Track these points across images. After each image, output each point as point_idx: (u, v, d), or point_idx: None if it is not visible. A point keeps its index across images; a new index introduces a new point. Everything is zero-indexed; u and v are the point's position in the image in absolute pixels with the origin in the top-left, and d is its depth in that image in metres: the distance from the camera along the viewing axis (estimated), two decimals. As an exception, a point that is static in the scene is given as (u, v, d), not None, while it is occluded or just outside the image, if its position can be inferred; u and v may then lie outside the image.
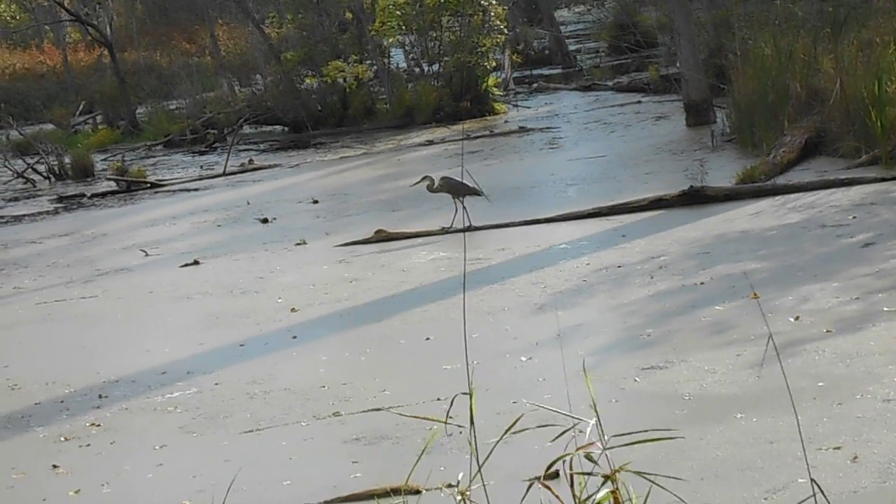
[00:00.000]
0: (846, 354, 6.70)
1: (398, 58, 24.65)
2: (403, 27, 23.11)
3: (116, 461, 6.52)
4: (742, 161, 13.16)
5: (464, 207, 11.72)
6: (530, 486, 3.23)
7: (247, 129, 23.48)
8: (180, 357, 8.43)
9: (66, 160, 20.49)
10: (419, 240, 11.57)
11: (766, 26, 15.80)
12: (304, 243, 12.07)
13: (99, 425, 7.15)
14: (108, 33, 27.53)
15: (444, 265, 10.38)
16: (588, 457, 3.03)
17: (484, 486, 3.19)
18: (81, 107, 28.77)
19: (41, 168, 20.48)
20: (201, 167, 20.13)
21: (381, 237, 11.70)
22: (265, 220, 13.77)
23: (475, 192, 11.77)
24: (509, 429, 3.31)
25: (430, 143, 19.28)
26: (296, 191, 16.02)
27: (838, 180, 11.56)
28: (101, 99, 28.14)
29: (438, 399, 6.75)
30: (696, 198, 11.47)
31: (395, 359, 7.90)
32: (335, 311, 9.21)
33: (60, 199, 18.15)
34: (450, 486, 5.17)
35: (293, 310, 9.34)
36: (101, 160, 21.70)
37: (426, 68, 22.96)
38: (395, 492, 5.21)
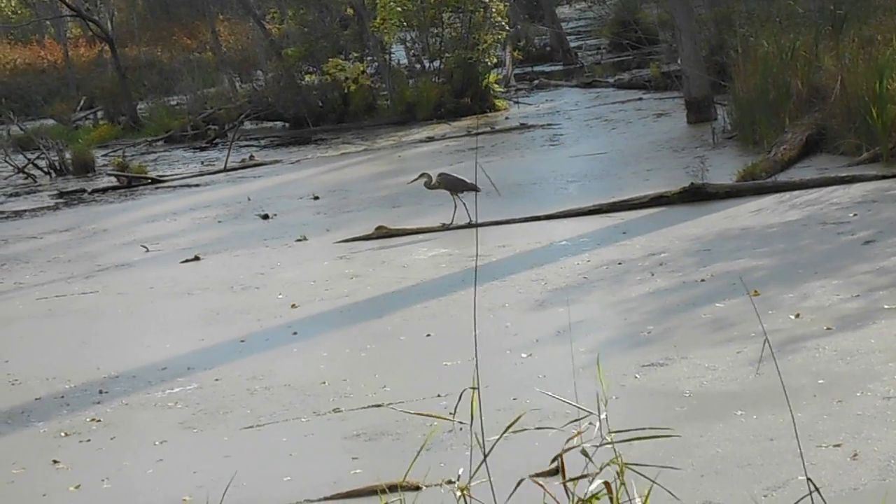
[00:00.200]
0: (846, 352, 6.71)
1: (399, 54, 24.65)
2: (404, 23, 23.11)
3: (117, 456, 6.52)
4: (743, 158, 13.16)
5: (464, 203, 11.72)
6: (519, 483, 3.23)
7: (247, 125, 23.48)
8: (181, 353, 8.44)
9: (67, 156, 20.50)
10: (420, 236, 11.57)
11: (768, 23, 15.79)
12: (305, 239, 12.08)
13: (99, 421, 7.15)
14: (108, 29, 27.53)
15: (444, 261, 10.38)
16: (583, 452, 3.03)
17: (491, 483, 3.19)
18: (82, 102, 28.79)
19: (42, 163, 20.48)
20: (202, 163, 20.14)
21: (382, 233, 11.71)
22: (266, 216, 13.77)
23: (472, 188, 11.79)
24: (510, 426, 3.31)
25: (431, 139, 19.28)
26: (296, 187, 16.02)
27: (839, 178, 11.56)
28: (102, 94, 28.14)
29: (439, 395, 6.76)
30: (696, 195, 11.47)
31: (396, 355, 7.90)
32: (336, 308, 9.22)
33: (61, 194, 18.15)
34: (450, 482, 5.17)
35: (293, 306, 9.34)
36: (102, 156, 21.71)
37: (427, 65, 22.95)
38: (395, 488, 5.21)
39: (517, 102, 22.65)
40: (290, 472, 6.00)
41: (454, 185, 11.86)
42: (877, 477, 5.12)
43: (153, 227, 14.27)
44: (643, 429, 3.18)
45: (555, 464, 5.51)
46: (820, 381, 6.28)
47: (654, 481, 3.16)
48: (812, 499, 3.03)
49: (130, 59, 31.69)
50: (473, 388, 3.28)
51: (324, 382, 7.34)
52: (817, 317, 7.39)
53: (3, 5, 40.35)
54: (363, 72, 22.44)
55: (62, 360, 8.62)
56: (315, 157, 19.14)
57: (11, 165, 20.63)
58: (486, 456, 3.14)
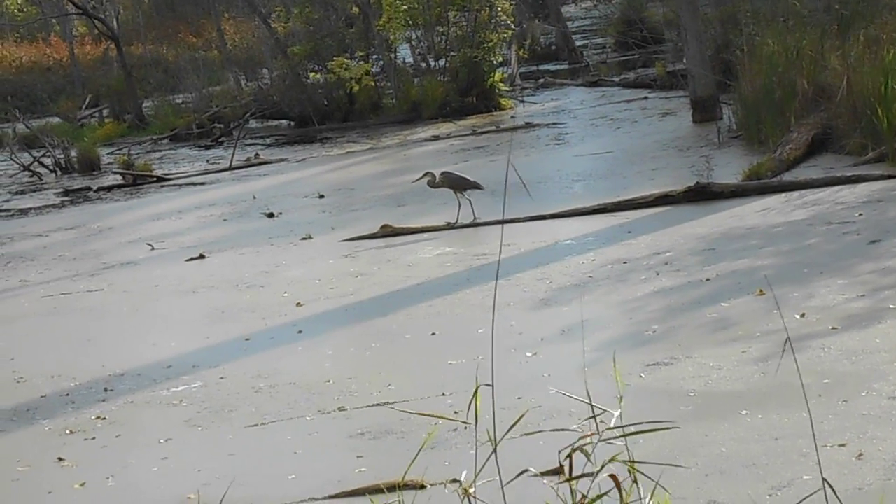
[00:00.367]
0: (852, 351, 6.70)
1: (405, 53, 24.65)
2: (410, 22, 23.10)
3: (122, 454, 6.53)
4: (748, 157, 13.15)
5: (469, 201, 11.73)
6: (513, 478, 3.23)
7: (253, 124, 23.49)
8: (186, 351, 8.44)
9: (73, 153, 20.52)
10: (425, 235, 11.57)
11: (773, 22, 15.77)
12: (310, 238, 12.08)
13: (104, 418, 7.16)
14: (114, 27, 27.54)
15: (449, 260, 10.38)
16: (582, 451, 3.03)
17: (501, 481, 3.19)
18: (88, 100, 28.81)
19: (47, 161, 20.50)
20: (207, 161, 20.15)
21: (387, 232, 11.71)
22: (271, 215, 13.77)
23: (475, 186, 11.81)
24: (514, 425, 3.31)
25: (437, 138, 19.28)
26: (301, 185, 16.02)
27: (845, 177, 11.55)
28: (108, 92, 28.16)
29: (444, 394, 6.76)
30: (702, 194, 11.46)
31: (401, 353, 7.90)
32: (341, 306, 9.22)
33: (66, 192, 18.17)
34: (454, 481, 5.18)
35: (298, 304, 9.34)
36: (108, 154, 21.72)
37: (432, 63, 22.95)
38: (400, 487, 5.21)
39: (522, 101, 22.64)
40: (294, 471, 6.00)
41: (457, 184, 11.87)
42: (882, 477, 5.12)
43: (158, 225, 14.28)
44: (641, 423, 3.16)
45: (557, 464, 5.51)
46: (825, 381, 6.27)
47: (656, 482, 3.16)
48: (826, 499, 3.03)
49: (136, 58, 31.72)
50: (488, 385, 3.27)
51: (329, 381, 7.34)
52: (823, 316, 7.39)
53: (9, 3, 40.39)
54: (367, 72, 22.43)
55: (67, 358, 8.63)
56: (320, 156, 19.14)
57: (17, 163, 20.66)
58: (493, 452, 3.14)
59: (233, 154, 19.32)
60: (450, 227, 11.69)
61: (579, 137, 17.50)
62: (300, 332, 8.60)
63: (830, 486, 3.00)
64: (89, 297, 10.61)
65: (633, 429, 3.17)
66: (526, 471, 3.21)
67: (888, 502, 4.95)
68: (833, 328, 7.14)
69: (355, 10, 23.86)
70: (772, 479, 5.19)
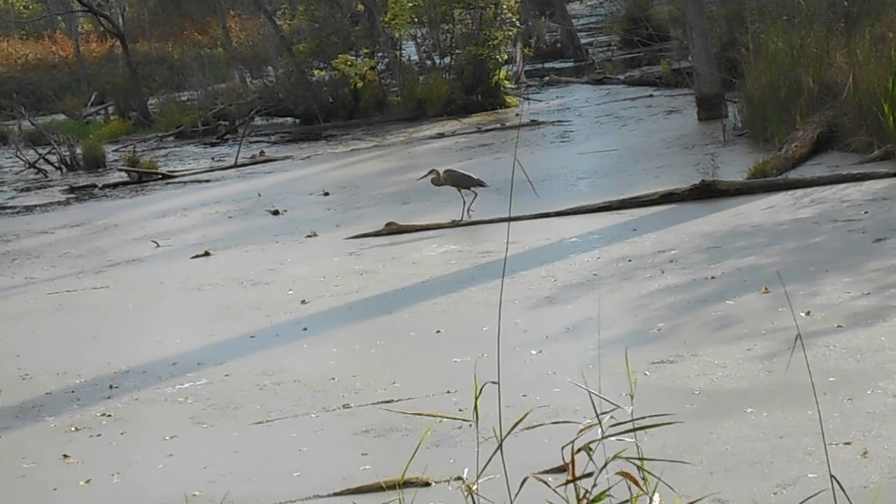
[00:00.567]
0: (857, 349, 6.69)
1: (410, 50, 24.64)
2: (415, 19, 23.10)
3: (127, 451, 6.53)
4: (754, 155, 13.14)
5: (473, 196, 11.73)
6: (523, 483, 3.22)
7: (258, 121, 23.49)
8: (191, 348, 8.45)
9: (78, 151, 20.53)
10: (430, 232, 11.57)
11: (779, 20, 15.75)
12: (315, 235, 12.09)
13: (109, 415, 7.16)
14: (120, 24, 27.56)
15: (454, 258, 10.38)
16: (586, 449, 3.02)
17: (507, 478, 3.19)
18: (93, 97, 28.82)
19: (53, 158, 20.52)
20: (212, 158, 20.16)
21: (392, 230, 11.71)
22: (276, 212, 13.78)
23: (479, 184, 11.82)
24: (518, 423, 3.31)
25: (442, 135, 19.27)
26: (307, 183, 16.02)
27: (850, 175, 11.54)
28: (113, 90, 28.18)
29: (448, 391, 6.76)
30: (707, 192, 11.46)
31: (406, 351, 7.90)
32: (345, 304, 9.22)
33: (72, 189, 18.18)
34: (458, 479, 5.17)
35: (303, 302, 9.35)
36: (113, 151, 21.74)
37: (438, 61, 22.95)
38: (405, 484, 5.22)
39: (528, 99, 22.63)
40: (299, 468, 6.00)
41: (461, 182, 11.89)
42: (887, 475, 5.11)
43: (163, 222, 14.29)
44: (643, 417, 3.16)
45: (562, 462, 5.51)
46: (830, 379, 6.27)
47: (659, 479, 3.16)
48: (834, 495, 3.02)
49: (141, 55, 31.73)
50: (494, 383, 3.27)
51: (333, 378, 7.34)
52: (828, 314, 7.38)
53: (15, 0, 40.43)
54: (372, 67, 22.43)
55: (73, 355, 8.64)
56: (325, 154, 19.15)
57: (23, 160, 20.68)
58: (497, 449, 3.14)
59: (238, 151, 19.32)
60: (455, 224, 11.70)
61: (584, 135, 17.49)
62: (305, 329, 8.60)
63: (839, 483, 2.99)
64: (94, 294, 10.62)
65: (635, 424, 3.16)
66: (528, 477, 3.20)
67: (894, 501, 4.94)
68: (838, 326, 7.13)
69: (360, 7, 23.85)
70: (777, 478, 5.18)
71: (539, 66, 27.24)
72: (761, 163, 12.29)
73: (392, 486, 5.03)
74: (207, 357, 8.15)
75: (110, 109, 27.67)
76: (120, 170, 19.16)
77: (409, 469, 5.01)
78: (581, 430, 3.03)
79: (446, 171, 12.04)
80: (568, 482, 3.01)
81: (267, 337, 8.52)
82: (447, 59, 22.59)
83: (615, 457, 3.06)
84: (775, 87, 13.97)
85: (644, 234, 10.36)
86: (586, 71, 26.61)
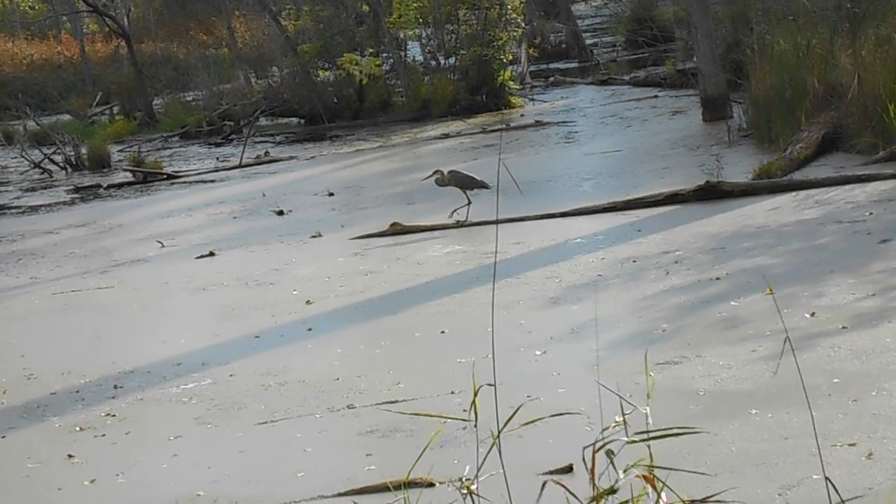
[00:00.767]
0: (862, 351, 6.69)
1: (415, 51, 24.65)
2: (420, 20, 23.10)
3: (131, 451, 6.54)
4: (758, 156, 13.13)
5: (469, 202, 11.74)
6: (544, 486, 3.21)
7: (263, 121, 23.50)
8: (195, 348, 8.45)
9: (83, 151, 20.55)
10: (434, 233, 11.57)
11: (784, 21, 15.74)
12: (320, 236, 12.09)
13: (114, 415, 7.17)
14: (125, 24, 27.57)
15: (459, 258, 10.38)
16: (608, 453, 3.01)
17: (506, 481, 3.19)
18: (98, 98, 28.85)
19: (58, 158, 20.53)
20: (217, 159, 20.17)
21: (397, 230, 11.71)
22: (281, 213, 13.79)
23: (482, 185, 11.83)
24: (510, 418, 3.31)
25: (446, 136, 19.27)
26: (311, 183, 16.03)
27: (855, 176, 11.52)
28: (118, 90, 28.19)
29: (453, 392, 6.76)
30: (712, 193, 11.45)
31: (410, 352, 7.90)
32: (350, 304, 9.22)
33: (77, 189, 18.20)
34: (458, 481, 5.18)
35: (308, 302, 9.35)
36: (118, 151, 21.76)
37: (443, 61, 22.94)
38: (409, 485, 5.22)
39: (532, 100, 22.62)
40: (303, 468, 6.00)
41: (464, 183, 11.90)
42: (892, 477, 5.11)
43: (168, 222, 14.31)
44: (670, 428, 3.14)
45: (567, 462, 5.52)
46: (835, 380, 6.26)
47: (664, 482, 3.15)
48: (830, 499, 3.02)
49: (146, 55, 31.74)
50: (490, 385, 3.27)
51: (338, 379, 7.35)
52: (833, 315, 7.37)
53: (20, 0, 40.48)
54: (379, 65, 22.44)
55: (77, 355, 8.65)
56: (330, 154, 19.15)
57: (28, 160, 20.70)
58: (490, 449, 3.14)
59: (243, 152, 19.33)
60: (459, 225, 11.70)
61: (589, 136, 17.48)
62: (310, 329, 8.60)
63: (833, 485, 2.99)
64: (99, 295, 10.63)
65: (653, 430, 3.16)
66: (547, 481, 3.19)
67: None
68: (843, 327, 7.13)
69: (365, 7, 23.86)
70: (781, 479, 5.18)
71: (544, 66, 27.24)
72: (766, 164, 12.28)
73: (396, 487, 5.03)
74: (212, 357, 8.15)
75: (115, 109, 27.70)
76: (125, 170, 19.18)
77: (414, 469, 5.02)
78: (605, 430, 3.03)
79: (450, 172, 12.05)
80: (595, 493, 2.99)
81: (271, 337, 8.52)
82: (452, 60, 22.59)
83: (636, 464, 3.04)
84: (780, 88, 13.95)
85: (649, 234, 10.35)
86: (591, 72, 26.60)
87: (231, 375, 7.70)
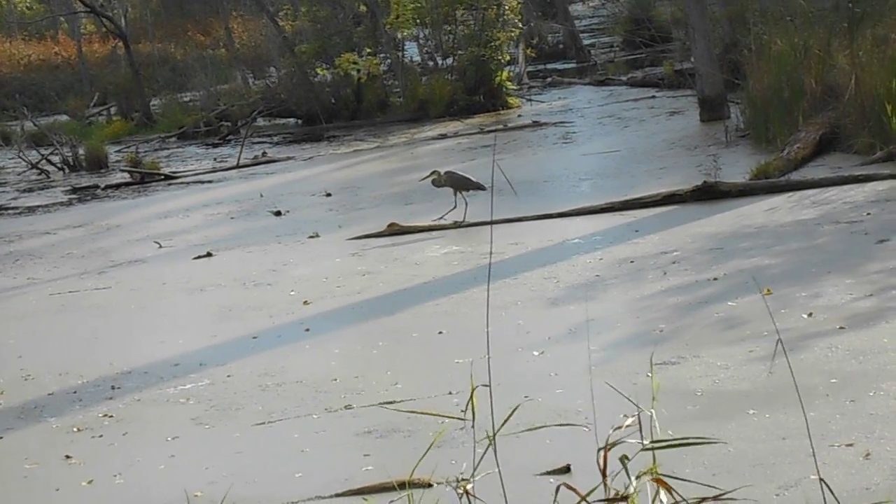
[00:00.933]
0: (859, 351, 6.69)
1: (412, 51, 24.64)
2: (417, 20, 23.10)
3: (129, 452, 6.54)
4: (756, 157, 13.13)
5: (465, 202, 11.74)
6: (558, 489, 3.20)
7: (260, 122, 23.50)
8: (193, 349, 8.45)
9: (81, 151, 20.53)
10: (432, 233, 11.57)
11: (782, 21, 15.75)
12: (317, 236, 12.09)
13: (112, 416, 7.17)
14: (122, 25, 27.56)
15: (456, 259, 10.38)
16: (622, 459, 3.00)
17: (501, 481, 3.19)
18: (96, 98, 28.84)
19: (55, 159, 20.52)
20: (215, 159, 20.16)
21: (394, 230, 11.71)
22: (278, 213, 13.78)
23: (478, 187, 11.84)
24: (507, 419, 3.31)
25: (444, 136, 19.27)
26: (309, 184, 16.03)
27: (853, 177, 11.53)
28: (116, 90, 28.19)
29: (451, 393, 6.76)
30: (709, 193, 11.45)
31: (408, 352, 7.90)
32: (348, 304, 9.22)
33: (74, 190, 18.19)
34: (455, 481, 5.18)
35: (306, 302, 9.35)
36: (115, 151, 21.74)
37: (440, 62, 22.94)
38: (407, 485, 5.22)
39: (530, 100, 22.63)
40: (301, 469, 6.00)
41: (461, 184, 11.90)
42: (889, 477, 5.11)
43: (166, 223, 14.30)
44: (687, 439, 3.13)
45: (564, 463, 5.52)
46: (832, 381, 6.26)
47: (666, 484, 3.15)
48: (825, 499, 3.02)
49: (144, 56, 31.72)
50: (485, 386, 3.27)
51: (335, 379, 7.35)
52: (830, 316, 7.38)
53: (17, 1, 40.46)
54: (377, 64, 22.44)
55: (75, 356, 8.64)
56: (327, 154, 19.15)
57: (25, 161, 20.69)
58: (486, 450, 3.13)
59: (240, 152, 19.33)
60: (457, 225, 11.70)
61: (587, 136, 17.49)
62: (307, 330, 8.60)
63: (828, 486, 2.99)
64: (97, 295, 10.62)
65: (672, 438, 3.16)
66: (560, 486, 3.17)
67: None
68: (840, 328, 7.13)
69: (363, 8, 23.86)
70: (779, 479, 5.18)
71: (541, 67, 27.23)
72: (764, 164, 12.29)
73: (394, 487, 5.03)
74: (209, 358, 8.15)
75: (113, 110, 27.68)
76: (122, 170, 19.16)
77: (411, 470, 5.01)
78: (617, 428, 3.02)
79: (446, 173, 12.06)
80: (608, 497, 2.97)
81: (269, 338, 8.52)
82: (449, 60, 22.58)
83: (649, 471, 3.03)
84: (778, 88, 13.96)
85: (646, 235, 10.36)
86: (589, 72, 26.60)
87: (229, 376, 7.70)
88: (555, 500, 3.19)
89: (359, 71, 22.16)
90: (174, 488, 5.93)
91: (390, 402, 6.69)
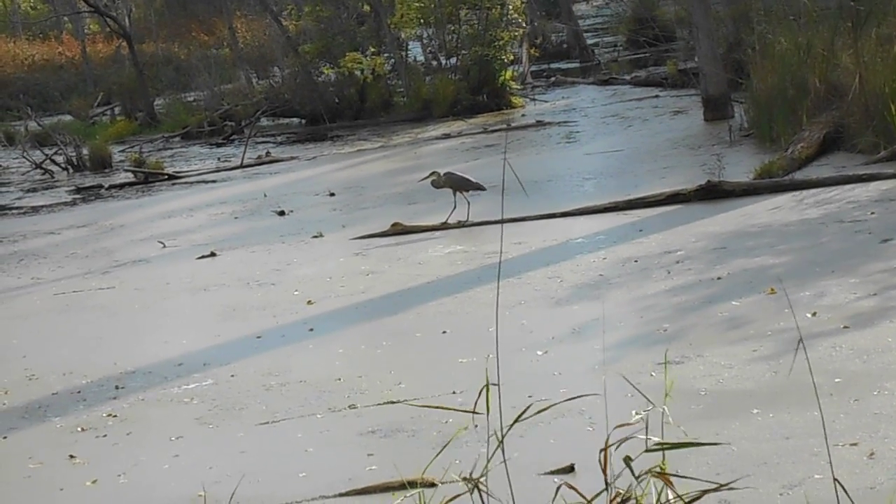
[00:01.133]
0: (863, 350, 6.68)
1: (416, 51, 24.65)
2: (421, 20, 23.10)
3: (133, 452, 6.54)
4: (760, 156, 13.13)
5: (467, 202, 11.73)
6: (559, 489, 3.20)
7: (264, 122, 23.51)
8: (197, 348, 8.45)
9: (84, 151, 20.57)
10: (435, 233, 11.57)
11: (785, 21, 15.74)
12: (321, 236, 12.09)
13: (115, 416, 7.17)
14: (126, 25, 27.59)
15: (460, 259, 10.38)
16: (626, 459, 3.00)
17: (508, 479, 3.19)
18: (100, 98, 28.89)
19: (59, 159, 20.55)
20: (218, 159, 20.18)
21: (398, 230, 11.71)
22: (282, 213, 13.79)
23: (478, 188, 11.84)
24: (518, 418, 3.31)
25: (447, 136, 19.28)
26: (312, 183, 16.03)
27: (856, 176, 11.52)
28: (120, 90, 28.22)
29: (454, 392, 6.76)
30: (713, 193, 11.45)
31: (411, 352, 7.90)
32: (351, 304, 9.22)
33: (78, 190, 18.21)
34: (465, 479, 5.18)
35: (309, 302, 9.35)
36: (119, 151, 21.77)
37: (444, 61, 22.95)
38: (411, 485, 5.22)
39: (533, 99, 22.63)
40: (305, 469, 6.00)
41: (460, 184, 11.90)
42: (894, 476, 5.10)
43: (170, 223, 14.31)
44: (695, 441, 3.13)
45: (569, 462, 5.51)
46: (836, 380, 6.26)
47: (668, 479, 3.15)
48: (837, 495, 3.02)
49: (148, 56, 31.76)
50: (494, 384, 3.27)
51: (339, 379, 7.35)
52: (834, 315, 7.37)
53: (22, 1, 40.49)
54: (382, 63, 22.44)
55: (79, 356, 8.65)
56: (331, 154, 19.16)
57: (29, 161, 20.71)
58: (498, 446, 3.14)
59: (244, 152, 19.34)
60: (461, 225, 11.70)
61: (590, 136, 17.48)
62: (311, 329, 8.61)
63: (842, 486, 2.99)
64: (101, 295, 10.63)
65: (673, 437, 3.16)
66: (561, 485, 3.18)
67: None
68: (844, 327, 7.12)
69: (367, 7, 23.86)
70: (783, 479, 5.18)
71: (545, 66, 27.24)
72: (767, 163, 12.28)
73: (398, 487, 5.03)
74: (213, 357, 8.15)
75: (116, 110, 27.72)
76: (126, 170, 19.18)
77: (415, 470, 5.01)
78: (618, 427, 3.03)
79: (446, 174, 12.06)
80: (611, 495, 2.98)
81: (273, 337, 8.52)
82: (453, 60, 22.59)
83: (649, 471, 3.03)
84: (782, 87, 13.95)
85: (650, 234, 10.35)
86: (592, 71, 26.60)
87: (232, 376, 7.70)
88: (554, 500, 3.19)
89: (363, 72, 22.16)
90: (178, 488, 5.94)
91: (402, 400, 6.69)
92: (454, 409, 4.20)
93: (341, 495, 5.62)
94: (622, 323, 7.87)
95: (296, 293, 9.72)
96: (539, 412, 3.44)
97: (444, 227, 11.71)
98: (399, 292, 9.41)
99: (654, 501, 3.09)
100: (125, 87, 27.77)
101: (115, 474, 6.24)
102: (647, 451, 3.07)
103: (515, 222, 11.43)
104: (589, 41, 30.86)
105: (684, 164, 13.77)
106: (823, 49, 14.04)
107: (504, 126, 19.58)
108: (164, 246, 12.61)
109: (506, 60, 22.25)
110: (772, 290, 8.02)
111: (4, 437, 7.07)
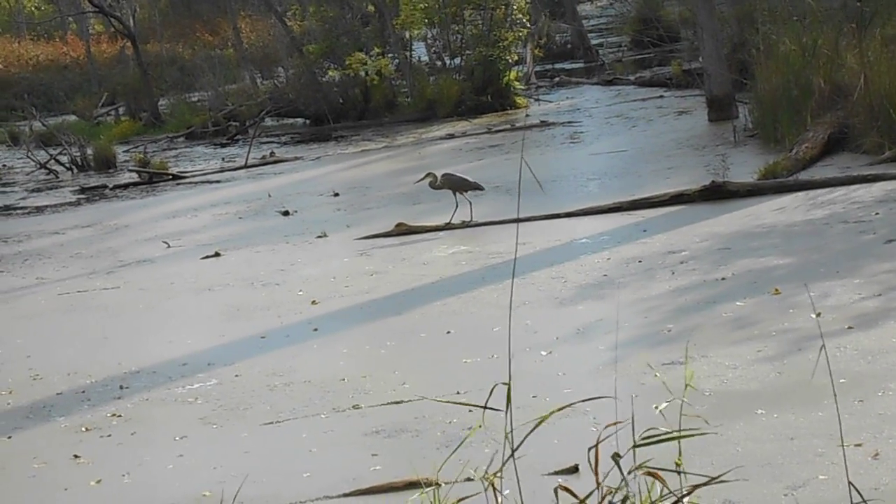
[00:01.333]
0: (867, 351, 6.68)
1: (420, 51, 24.65)
2: (426, 20, 23.10)
3: (137, 452, 6.54)
4: (764, 156, 13.12)
5: (469, 202, 11.73)
6: (556, 491, 3.20)
7: (268, 122, 23.52)
8: (201, 348, 8.46)
9: (89, 151, 20.58)
10: (440, 233, 11.57)
11: (790, 21, 15.73)
12: (325, 236, 12.10)
13: (120, 416, 7.18)
14: (131, 25, 27.61)
15: (464, 259, 10.38)
16: (614, 457, 3.01)
17: (518, 479, 3.19)
18: (104, 98, 28.90)
19: (64, 159, 20.57)
20: (223, 159, 20.19)
21: (402, 230, 11.71)
22: (286, 213, 13.80)
23: (476, 188, 11.84)
24: (540, 423, 3.31)
25: (452, 136, 19.28)
26: (317, 183, 16.04)
27: (861, 176, 11.51)
28: (124, 90, 28.24)
29: (459, 392, 6.76)
30: (717, 193, 11.44)
31: (416, 352, 7.90)
32: (356, 304, 9.23)
33: (83, 190, 18.23)
34: (469, 479, 5.18)
35: (314, 302, 9.36)
36: (124, 151, 21.78)
37: (448, 62, 22.95)
38: (415, 485, 5.22)
39: (538, 100, 22.62)
40: (309, 469, 6.01)
41: (458, 185, 11.91)
42: (898, 477, 5.10)
43: (174, 223, 14.32)
44: (683, 433, 3.13)
45: (574, 462, 5.52)
46: (841, 381, 6.25)
47: (660, 476, 3.15)
48: (851, 498, 3.02)
49: (152, 56, 31.79)
50: (505, 384, 3.27)
51: (343, 379, 7.35)
52: (838, 315, 7.36)
53: (26, 1, 40.54)
54: (386, 64, 22.45)
55: (83, 356, 8.66)
56: (335, 154, 19.16)
57: (34, 161, 20.73)
58: (514, 451, 3.14)
59: (248, 152, 19.35)
60: (465, 225, 11.70)
61: (594, 136, 17.48)
62: (315, 329, 8.61)
63: (856, 489, 2.99)
64: (105, 295, 10.64)
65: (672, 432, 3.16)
66: (558, 488, 3.19)
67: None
68: (849, 327, 7.12)
69: (371, 8, 23.87)
70: (787, 479, 5.18)
71: (549, 66, 27.23)
72: (772, 164, 12.27)
73: (402, 487, 5.03)
74: (218, 357, 8.16)
75: (121, 110, 27.74)
76: (130, 170, 19.20)
77: (418, 469, 5.01)
78: (608, 426, 3.03)
79: (444, 175, 12.06)
80: (601, 494, 2.99)
81: (277, 337, 8.53)
82: (457, 60, 22.60)
83: (639, 467, 3.04)
84: (786, 88, 13.94)
85: (654, 235, 10.35)
86: (596, 72, 26.59)
87: (237, 376, 7.71)
88: (556, 501, 3.19)
89: (367, 72, 22.17)
90: (182, 488, 5.94)
91: (398, 403, 6.69)
92: (477, 406, 4.19)
93: (345, 495, 5.63)
94: (626, 323, 7.86)
95: (300, 293, 9.72)
96: (557, 411, 3.44)
97: (449, 227, 11.71)
98: (403, 292, 9.42)
99: (646, 498, 3.09)
100: (129, 87, 27.80)
101: (120, 474, 6.24)
102: (634, 446, 3.07)
103: (520, 222, 11.43)
104: (593, 41, 30.84)
105: (688, 164, 13.77)
106: (828, 49, 14.03)
107: (508, 126, 19.58)
108: (169, 246, 12.62)
109: (510, 61, 22.24)
110: (776, 290, 8.02)
111: (9, 437, 7.08)
